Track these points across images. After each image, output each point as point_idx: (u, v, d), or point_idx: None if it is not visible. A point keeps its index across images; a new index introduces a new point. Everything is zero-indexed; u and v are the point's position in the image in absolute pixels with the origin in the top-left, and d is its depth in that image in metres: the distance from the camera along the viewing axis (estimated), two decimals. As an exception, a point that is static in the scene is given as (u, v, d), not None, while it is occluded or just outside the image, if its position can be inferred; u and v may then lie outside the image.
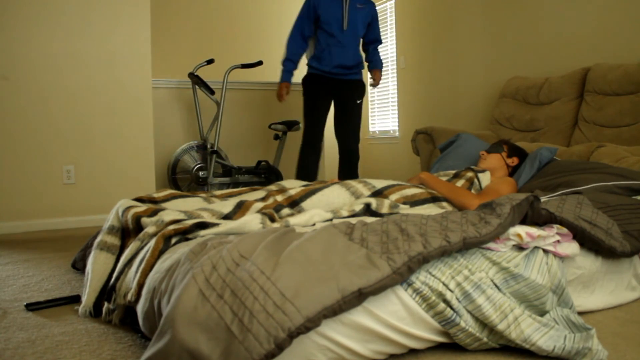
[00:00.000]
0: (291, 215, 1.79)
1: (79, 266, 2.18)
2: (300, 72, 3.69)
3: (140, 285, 1.38)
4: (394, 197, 1.97)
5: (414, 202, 1.98)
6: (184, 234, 1.51)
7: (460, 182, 2.26)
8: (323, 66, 3.51)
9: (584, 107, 3.17)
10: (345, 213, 1.78)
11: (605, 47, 3.29)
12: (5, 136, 3.25)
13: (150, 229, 1.56)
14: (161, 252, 1.43)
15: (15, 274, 2.15)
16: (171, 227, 1.51)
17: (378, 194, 1.99)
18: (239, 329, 1.02)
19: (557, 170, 2.28)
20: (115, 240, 1.73)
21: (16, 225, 3.29)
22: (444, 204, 2.04)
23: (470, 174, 2.32)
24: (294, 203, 1.87)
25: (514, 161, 2.49)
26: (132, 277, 1.45)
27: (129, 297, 1.40)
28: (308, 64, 3.62)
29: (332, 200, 1.92)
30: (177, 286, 1.16)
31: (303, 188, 1.95)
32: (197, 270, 1.14)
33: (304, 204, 1.87)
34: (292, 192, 1.92)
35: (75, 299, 1.78)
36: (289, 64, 3.59)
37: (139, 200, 1.95)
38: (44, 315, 1.63)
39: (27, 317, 1.61)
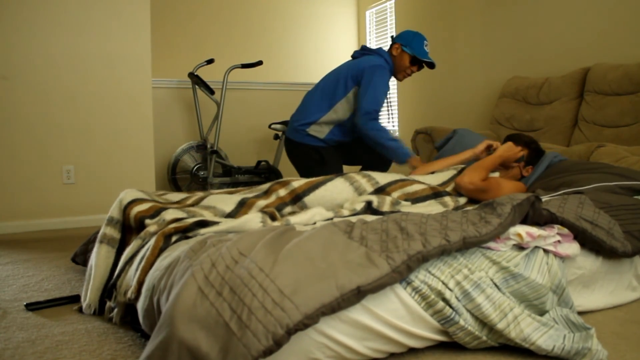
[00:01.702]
0: (293, 213, 1.79)
1: (79, 260, 2.18)
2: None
3: (140, 283, 1.38)
4: (396, 194, 1.97)
5: (415, 199, 1.98)
6: (185, 232, 1.51)
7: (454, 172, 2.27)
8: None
9: (584, 107, 3.16)
10: (346, 212, 1.78)
11: (605, 47, 3.29)
12: (5, 136, 3.25)
13: (151, 228, 1.56)
14: (161, 250, 1.43)
15: (15, 274, 2.15)
16: (171, 225, 1.51)
17: (380, 190, 1.98)
18: (237, 326, 1.02)
19: (558, 170, 2.28)
20: (114, 233, 1.72)
21: (16, 225, 3.29)
22: (446, 199, 2.03)
23: None
24: (297, 198, 1.86)
25: (527, 171, 2.33)
26: (132, 275, 1.45)
27: (129, 294, 1.40)
28: (335, 139, 2.99)
29: (335, 196, 1.90)
30: (176, 283, 1.17)
31: (307, 181, 1.93)
32: (196, 268, 1.14)
33: (307, 199, 1.85)
34: (296, 184, 1.89)
35: (75, 299, 1.77)
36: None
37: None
38: (44, 315, 1.63)
39: (27, 317, 1.61)
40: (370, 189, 1.98)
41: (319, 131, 2.94)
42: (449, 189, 2.16)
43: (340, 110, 2.90)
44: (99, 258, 1.67)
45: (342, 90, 2.89)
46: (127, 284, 1.47)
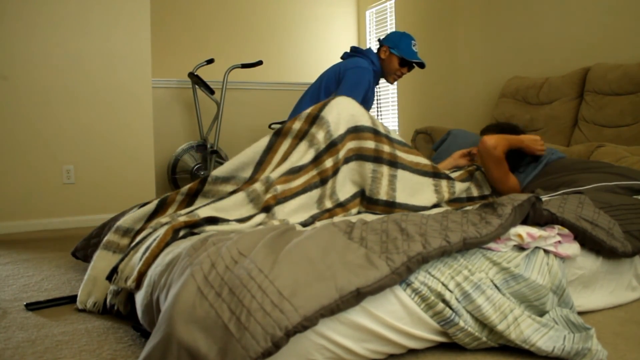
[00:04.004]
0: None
1: (79, 255, 2.18)
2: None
3: (141, 274, 1.38)
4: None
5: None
6: (193, 228, 1.51)
7: (458, 173, 2.24)
8: None
9: (584, 107, 3.16)
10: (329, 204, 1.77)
11: (605, 47, 3.29)
12: (5, 136, 3.25)
13: (163, 219, 1.56)
14: (167, 244, 1.43)
15: (15, 274, 2.15)
16: (182, 218, 1.51)
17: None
18: (236, 327, 1.02)
19: (558, 168, 2.27)
20: (124, 241, 1.73)
21: (16, 225, 3.29)
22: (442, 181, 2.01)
23: (472, 168, 2.27)
24: (336, 171, 1.83)
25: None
26: (136, 262, 1.45)
27: (129, 282, 1.40)
28: None
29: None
30: (175, 282, 1.16)
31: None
32: (195, 267, 1.14)
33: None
34: (340, 155, 1.85)
35: (75, 299, 1.77)
36: None
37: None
38: (44, 315, 1.63)
39: (27, 317, 1.61)
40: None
41: None
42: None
43: None
44: (103, 261, 1.68)
45: (324, 94, 2.91)
46: (129, 270, 1.46)
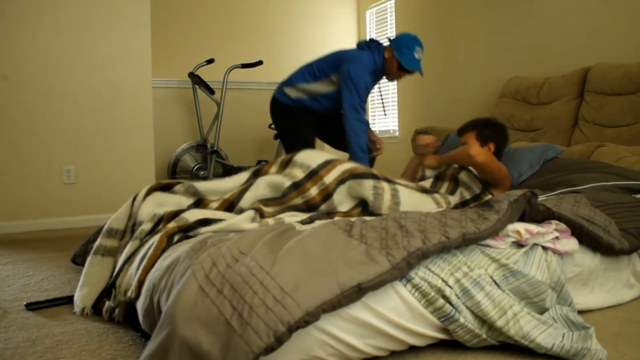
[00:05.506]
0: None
1: (79, 261, 2.18)
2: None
3: (141, 283, 1.38)
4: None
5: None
6: (186, 231, 1.51)
7: (444, 185, 2.18)
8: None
9: (584, 107, 3.17)
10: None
11: (605, 47, 3.29)
12: (6, 136, 3.25)
13: (145, 226, 1.57)
14: (163, 251, 1.43)
15: (15, 274, 2.16)
16: (171, 225, 1.51)
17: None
18: (238, 323, 1.02)
19: (557, 168, 2.28)
20: (114, 243, 1.73)
21: (16, 225, 3.29)
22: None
23: (451, 172, 2.22)
24: (328, 196, 1.77)
25: (490, 148, 2.23)
26: (133, 274, 1.45)
27: (129, 293, 1.40)
28: (303, 103, 3.01)
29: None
30: (176, 283, 1.17)
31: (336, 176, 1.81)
32: (197, 266, 1.14)
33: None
34: (327, 180, 1.78)
35: (75, 299, 1.78)
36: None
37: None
38: (44, 315, 1.63)
39: (27, 317, 1.61)
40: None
41: (292, 93, 3.01)
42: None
43: (319, 87, 2.96)
44: (94, 266, 1.68)
45: (325, 72, 2.94)
46: (127, 283, 1.47)
